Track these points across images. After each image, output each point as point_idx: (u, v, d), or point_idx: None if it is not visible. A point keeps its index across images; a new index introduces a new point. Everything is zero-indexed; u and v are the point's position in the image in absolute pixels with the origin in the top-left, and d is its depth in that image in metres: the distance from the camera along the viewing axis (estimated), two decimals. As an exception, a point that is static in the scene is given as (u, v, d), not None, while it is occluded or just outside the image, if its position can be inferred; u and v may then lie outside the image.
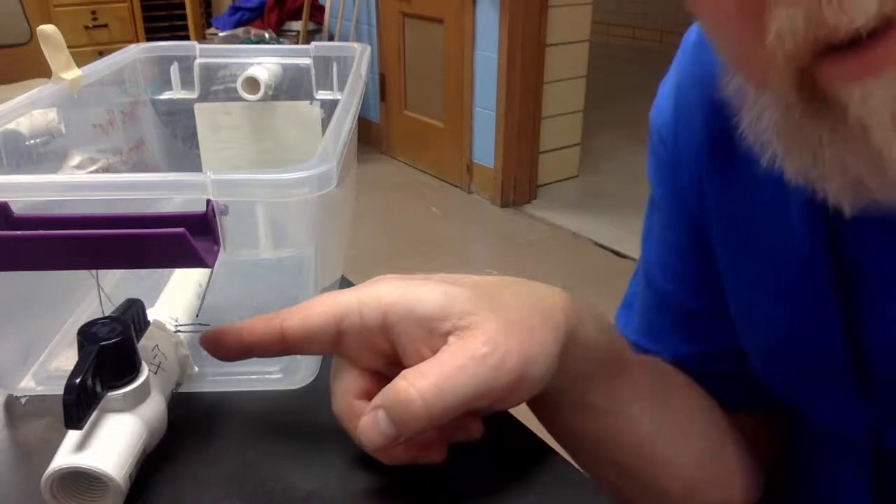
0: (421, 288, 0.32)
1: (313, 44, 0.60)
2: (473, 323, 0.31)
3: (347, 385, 0.34)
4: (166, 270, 0.47)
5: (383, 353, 0.33)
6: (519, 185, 2.85)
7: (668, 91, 0.46)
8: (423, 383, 0.30)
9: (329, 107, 0.59)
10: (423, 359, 0.31)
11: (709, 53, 0.41)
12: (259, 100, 0.59)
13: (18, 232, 0.32)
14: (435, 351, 0.31)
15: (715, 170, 0.41)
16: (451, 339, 0.31)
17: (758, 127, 0.29)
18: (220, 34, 3.26)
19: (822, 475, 0.46)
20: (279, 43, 3.07)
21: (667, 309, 0.48)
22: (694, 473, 0.43)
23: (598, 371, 0.37)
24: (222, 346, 0.35)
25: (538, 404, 0.38)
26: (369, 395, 0.33)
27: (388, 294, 0.32)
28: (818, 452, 0.46)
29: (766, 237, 0.39)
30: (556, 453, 0.38)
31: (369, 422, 0.31)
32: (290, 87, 0.61)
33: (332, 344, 0.33)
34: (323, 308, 0.33)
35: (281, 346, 0.34)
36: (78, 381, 0.30)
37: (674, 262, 0.47)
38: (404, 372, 0.31)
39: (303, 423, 0.40)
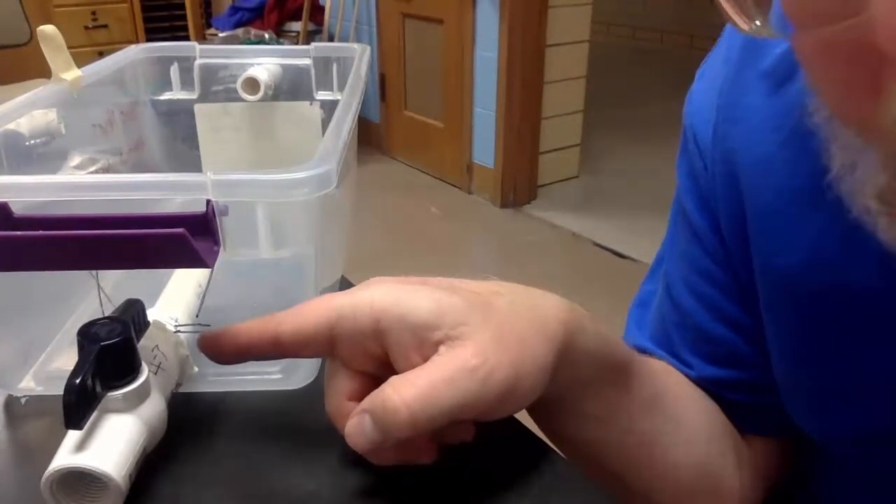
0: (415, 295, 0.32)
1: (313, 44, 0.60)
2: (465, 333, 0.31)
3: (340, 386, 0.34)
4: (166, 270, 0.47)
5: (376, 357, 0.33)
6: (519, 185, 2.85)
7: (708, 92, 0.42)
8: (409, 392, 0.30)
9: (329, 107, 0.59)
10: (413, 366, 0.31)
11: (762, 60, 0.38)
12: (259, 100, 0.59)
13: (18, 232, 0.32)
14: (426, 359, 0.31)
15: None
16: (442, 348, 0.31)
17: (852, 178, 0.27)
18: (220, 34, 3.26)
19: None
20: (279, 43, 3.07)
21: (686, 328, 0.46)
22: (685, 483, 0.43)
23: (594, 381, 0.37)
24: (219, 349, 0.35)
25: (533, 409, 0.38)
26: (361, 397, 0.33)
27: (381, 299, 0.32)
28: (842, 483, 0.44)
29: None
30: (556, 453, 0.38)
31: (355, 425, 0.31)
32: (290, 87, 0.61)
33: (325, 347, 0.33)
34: (317, 312, 0.33)
35: (275, 349, 0.34)
36: (78, 381, 0.30)
37: (698, 282, 0.44)
38: (392, 379, 0.31)
39: (303, 423, 0.40)
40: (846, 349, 0.37)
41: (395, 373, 0.32)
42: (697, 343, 0.45)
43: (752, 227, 0.39)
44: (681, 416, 0.43)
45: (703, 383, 0.45)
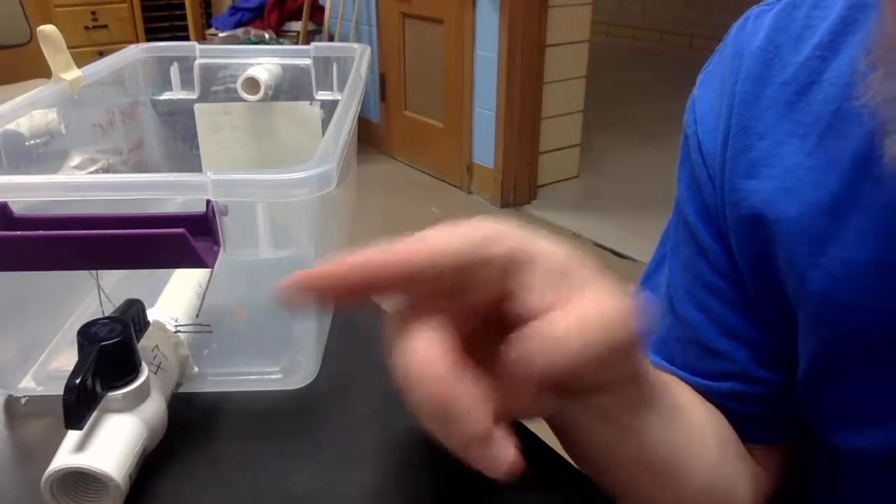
0: (539, 238, 0.30)
1: (313, 44, 0.60)
2: (600, 283, 0.30)
3: (430, 335, 0.29)
4: (166, 270, 0.47)
5: (477, 304, 0.30)
6: (519, 185, 2.85)
7: (714, 101, 0.42)
8: (574, 322, 0.28)
9: (329, 107, 0.59)
10: (548, 303, 0.29)
11: (788, 63, 0.38)
12: (259, 100, 0.59)
13: (18, 232, 0.33)
14: (560, 299, 0.29)
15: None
16: (583, 292, 0.29)
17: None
18: (220, 34, 3.26)
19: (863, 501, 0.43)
20: (279, 43, 3.07)
21: (690, 342, 0.45)
22: (693, 491, 0.43)
23: (617, 380, 0.36)
24: (338, 279, 0.31)
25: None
26: (451, 354, 0.28)
27: (512, 235, 0.30)
28: (852, 479, 0.43)
29: None
30: (557, 453, 0.38)
31: (525, 349, 0.28)
32: (290, 87, 0.61)
33: (446, 272, 0.29)
34: (462, 230, 0.29)
35: (397, 270, 0.29)
36: (78, 381, 0.30)
37: (703, 296, 0.44)
38: (551, 314, 0.28)
39: (303, 423, 0.40)
40: (884, 363, 0.36)
41: (486, 331, 0.31)
42: (700, 358, 0.45)
43: (780, 244, 0.38)
44: (693, 421, 0.42)
45: (706, 394, 0.45)
